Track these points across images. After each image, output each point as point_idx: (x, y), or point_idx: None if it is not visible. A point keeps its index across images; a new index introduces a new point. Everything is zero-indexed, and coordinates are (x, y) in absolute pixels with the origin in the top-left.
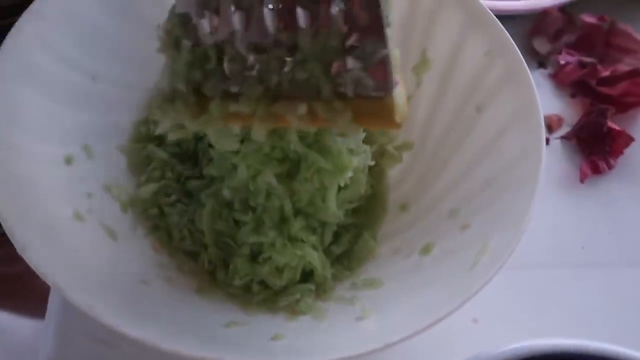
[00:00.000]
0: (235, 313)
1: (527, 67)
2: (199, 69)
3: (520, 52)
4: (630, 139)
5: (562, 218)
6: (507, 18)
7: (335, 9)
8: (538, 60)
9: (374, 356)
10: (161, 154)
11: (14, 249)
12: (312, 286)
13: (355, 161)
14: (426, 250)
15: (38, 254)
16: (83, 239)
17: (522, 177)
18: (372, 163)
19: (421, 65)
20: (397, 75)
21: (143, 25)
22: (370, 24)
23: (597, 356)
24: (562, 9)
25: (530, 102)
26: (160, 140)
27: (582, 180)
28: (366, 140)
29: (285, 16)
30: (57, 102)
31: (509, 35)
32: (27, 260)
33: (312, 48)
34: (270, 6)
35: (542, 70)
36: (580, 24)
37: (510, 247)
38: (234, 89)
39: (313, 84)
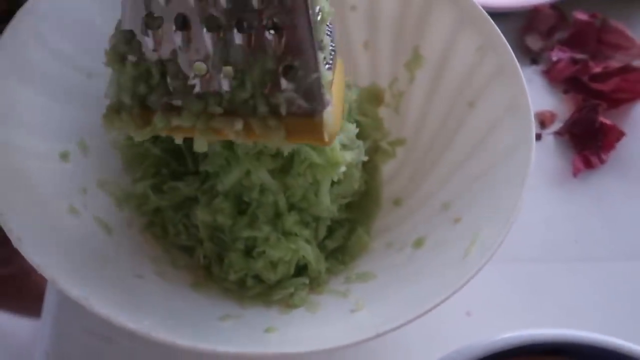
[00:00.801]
0: (230, 307)
1: (517, 62)
2: (144, 83)
3: (513, 49)
4: (621, 134)
5: (555, 212)
6: (500, 15)
7: (269, 34)
8: (531, 57)
9: (368, 348)
10: (156, 150)
11: (6, 250)
12: (306, 280)
13: (348, 156)
14: (418, 243)
15: (33, 246)
16: (78, 233)
17: (512, 170)
18: (366, 158)
19: (414, 61)
20: (329, 95)
21: None
22: (302, 49)
23: (587, 345)
24: (554, 6)
25: (521, 96)
26: (154, 137)
27: (575, 175)
28: (360, 136)
29: (223, 39)
30: (52, 99)
31: (499, 31)
32: (22, 253)
33: (248, 70)
34: (207, 29)
35: (535, 67)
36: (573, 21)
37: (499, 238)
38: (177, 103)
39: (249, 102)
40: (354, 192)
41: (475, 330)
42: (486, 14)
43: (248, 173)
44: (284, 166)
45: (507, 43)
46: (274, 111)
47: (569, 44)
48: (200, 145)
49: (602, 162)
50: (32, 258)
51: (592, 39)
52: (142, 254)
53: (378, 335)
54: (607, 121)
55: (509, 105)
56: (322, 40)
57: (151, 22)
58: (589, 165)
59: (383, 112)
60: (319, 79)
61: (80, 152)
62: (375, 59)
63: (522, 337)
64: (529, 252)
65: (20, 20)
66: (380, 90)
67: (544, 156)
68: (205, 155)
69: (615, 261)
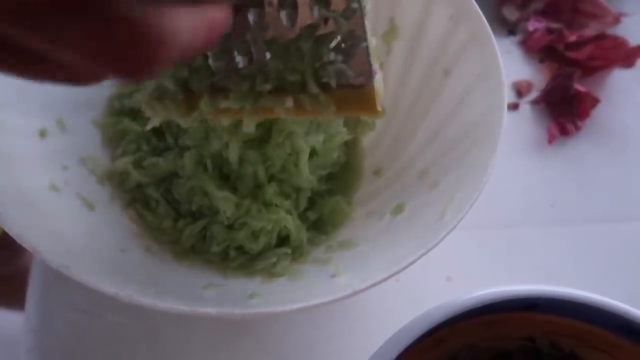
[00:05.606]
0: (214, 277)
1: (489, 29)
2: (185, 66)
3: (490, 20)
4: (596, 101)
5: (532, 178)
6: None
7: (316, 11)
8: (508, 28)
9: (351, 313)
10: (136, 127)
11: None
12: (288, 250)
13: None
14: (398, 210)
15: (14, 219)
16: (59, 209)
17: (485, 134)
18: (344, 131)
19: (390, 33)
20: (376, 64)
21: None
22: (350, 17)
23: (557, 299)
24: None
25: (493, 62)
26: (134, 115)
27: (550, 142)
28: None
29: (270, 19)
30: None
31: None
32: (2, 226)
33: (294, 45)
34: (250, 5)
35: (511, 38)
36: None
37: (473, 197)
38: (221, 84)
39: (298, 77)
40: (334, 163)
41: (455, 293)
42: None
43: (227, 144)
44: (263, 137)
45: (479, 10)
46: (323, 85)
47: (544, 13)
48: (249, 125)
49: (577, 128)
50: (12, 229)
51: (567, 9)
52: (125, 229)
53: (355, 292)
54: (582, 88)
55: (482, 72)
56: (365, 7)
57: None
58: (564, 132)
59: None
60: (367, 48)
61: (58, 129)
62: None
63: (498, 293)
64: (507, 217)
65: None
66: None
67: (521, 124)
68: (184, 130)
69: (589, 223)
